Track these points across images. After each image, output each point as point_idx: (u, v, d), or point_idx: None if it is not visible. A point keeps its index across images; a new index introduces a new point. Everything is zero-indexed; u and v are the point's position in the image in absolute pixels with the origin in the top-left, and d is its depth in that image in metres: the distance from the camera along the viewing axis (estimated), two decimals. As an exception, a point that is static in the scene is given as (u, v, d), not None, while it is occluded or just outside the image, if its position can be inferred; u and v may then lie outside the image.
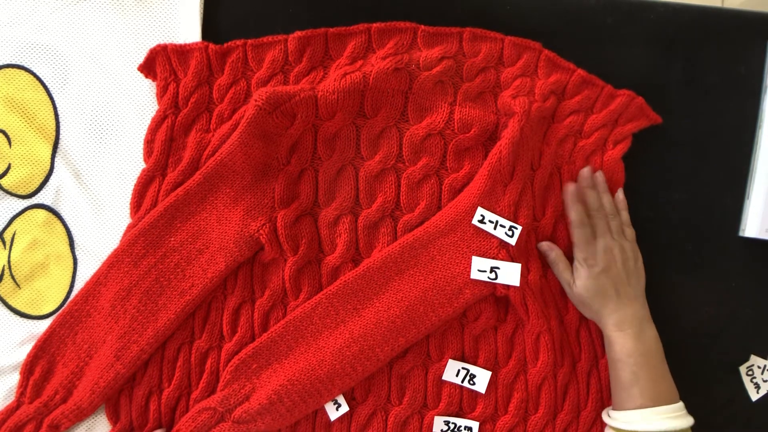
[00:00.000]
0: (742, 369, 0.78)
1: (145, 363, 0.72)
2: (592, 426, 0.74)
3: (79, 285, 0.75)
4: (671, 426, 0.64)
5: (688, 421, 0.66)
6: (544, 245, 0.73)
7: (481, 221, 0.71)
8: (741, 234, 0.78)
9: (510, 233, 0.71)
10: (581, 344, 0.75)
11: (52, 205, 0.76)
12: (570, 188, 0.73)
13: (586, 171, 0.74)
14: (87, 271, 0.75)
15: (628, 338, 0.68)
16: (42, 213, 0.76)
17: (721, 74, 0.78)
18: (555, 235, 0.75)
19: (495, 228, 0.71)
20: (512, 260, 0.71)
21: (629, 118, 0.75)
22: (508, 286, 0.71)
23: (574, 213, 0.72)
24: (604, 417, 0.71)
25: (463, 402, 0.74)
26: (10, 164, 0.76)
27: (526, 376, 0.74)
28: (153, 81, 0.75)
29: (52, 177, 0.76)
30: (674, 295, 0.78)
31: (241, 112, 0.73)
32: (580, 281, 0.70)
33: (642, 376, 0.67)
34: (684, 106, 0.78)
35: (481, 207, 0.71)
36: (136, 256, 0.72)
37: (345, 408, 0.72)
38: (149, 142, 0.74)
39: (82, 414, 0.71)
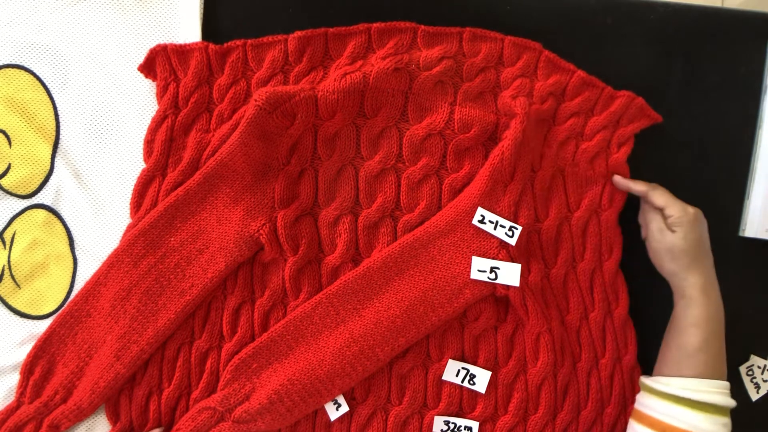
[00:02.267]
0: (742, 369, 0.78)
1: (145, 363, 0.72)
2: (592, 426, 0.74)
3: (79, 285, 0.75)
4: (723, 402, 0.64)
5: (733, 402, 0.65)
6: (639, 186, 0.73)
7: (481, 221, 0.71)
8: (741, 234, 0.78)
9: (510, 233, 0.71)
10: (581, 344, 0.75)
11: (52, 205, 0.76)
12: (617, 177, 0.75)
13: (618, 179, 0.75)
14: (87, 271, 0.75)
15: (711, 304, 0.67)
16: (42, 213, 0.76)
17: (721, 74, 0.78)
18: (559, 237, 0.75)
19: (495, 228, 0.71)
20: (512, 260, 0.71)
21: (630, 119, 0.75)
22: (507, 287, 0.71)
23: (640, 184, 0.73)
24: (647, 381, 0.68)
25: (463, 402, 0.74)
26: (10, 164, 0.76)
27: (526, 376, 0.74)
28: (153, 81, 0.75)
29: (52, 177, 0.76)
30: (674, 295, 0.78)
31: (241, 112, 0.73)
32: (681, 229, 0.69)
33: (712, 345, 0.66)
34: (684, 106, 0.78)
35: (482, 207, 0.71)
36: (136, 256, 0.72)
37: (345, 408, 0.72)
38: (149, 142, 0.74)
39: (82, 414, 0.71)
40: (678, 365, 0.67)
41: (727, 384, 0.66)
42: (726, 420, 0.64)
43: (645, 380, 0.69)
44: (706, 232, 0.71)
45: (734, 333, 0.78)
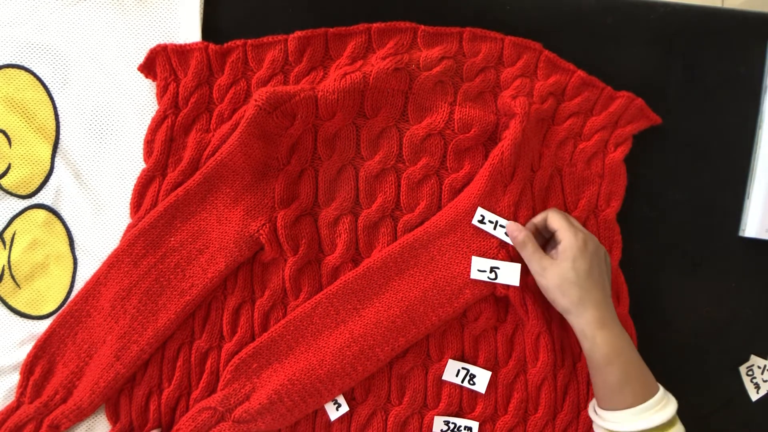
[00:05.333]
0: (742, 369, 0.78)
1: (145, 363, 0.72)
2: (592, 426, 0.74)
3: (79, 285, 0.75)
4: (661, 419, 0.62)
5: (673, 405, 0.64)
6: (512, 226, 0.70)
7: (481, 221, 0.71)
8: (741, 234, 0.78)
9: (510, 233, 0.71)
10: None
11: (52, 205, 0.76)
12: (510, 225, 0.71)
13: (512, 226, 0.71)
14: (87, 271, 0.75)
15: (614, 336, 0.65)
16: (42, 213, 0.76)
17: (721, 74, 0.78)
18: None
19: (495, 228, 0.71)
20: (512, 260, 0.71)
21: (629, 119, 0.75)
22: (507, 286, 0.71)
23: (541, 214, 0.71)
24: (591, 413, 0.69)
25: (463, 402, 0.74)
26: (10, 164, 0.76)
27: (525, 377, 0.74)
28: (153, 81, 0.75)
29: (52, 177, 0.76)
30: (674, 295, 0.78)
31: (241, 112, 0.73)
32: (565, 263, 0.66)
33: (632, 375, 0.64)
34: (684, 106, 0.78)
35: (481, 207, 0.71)
36: (136, 256, 0.72)
37: (345, 408, 0.72)
38: (149, 142, 0.74)
39: (82, 414, 0.71)
40: (609, 400, 0.65)
41: (660, 395, 0.64)
42: (677, 428, 0.64)
43: (591, 414, 0.69)
44: (602, 263, 0.68)
45: (734, 333, 0.78)
